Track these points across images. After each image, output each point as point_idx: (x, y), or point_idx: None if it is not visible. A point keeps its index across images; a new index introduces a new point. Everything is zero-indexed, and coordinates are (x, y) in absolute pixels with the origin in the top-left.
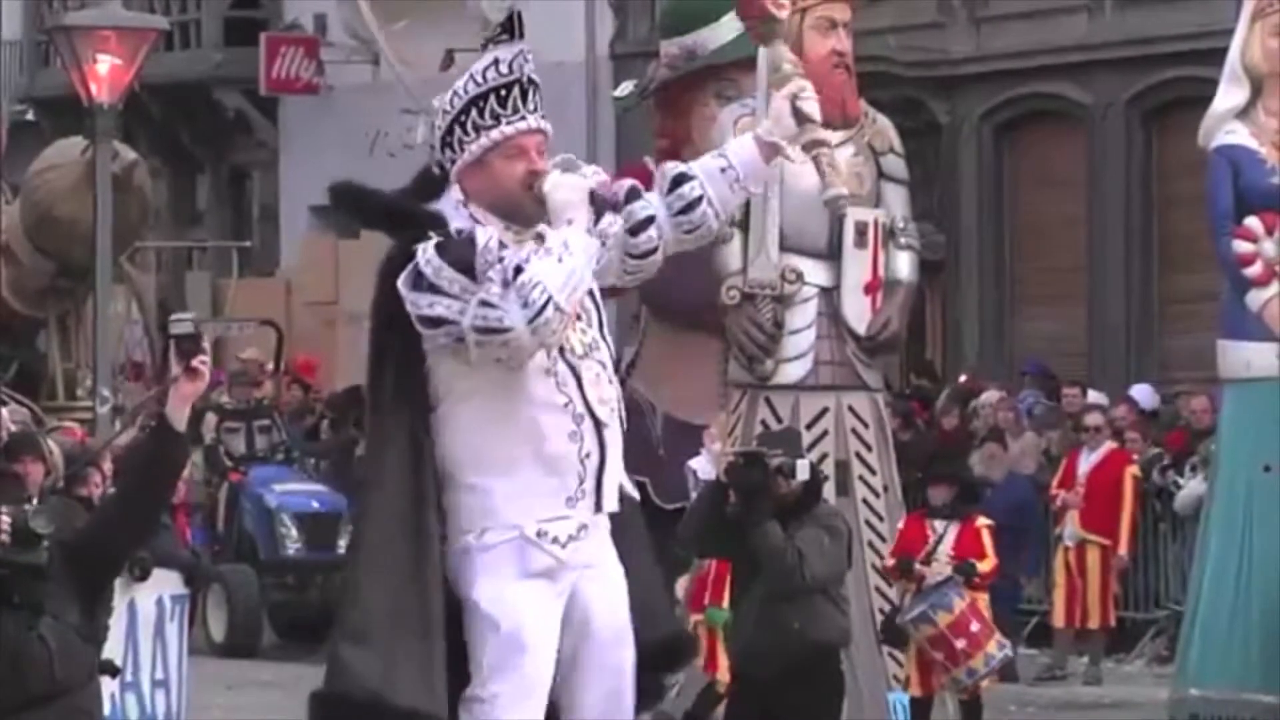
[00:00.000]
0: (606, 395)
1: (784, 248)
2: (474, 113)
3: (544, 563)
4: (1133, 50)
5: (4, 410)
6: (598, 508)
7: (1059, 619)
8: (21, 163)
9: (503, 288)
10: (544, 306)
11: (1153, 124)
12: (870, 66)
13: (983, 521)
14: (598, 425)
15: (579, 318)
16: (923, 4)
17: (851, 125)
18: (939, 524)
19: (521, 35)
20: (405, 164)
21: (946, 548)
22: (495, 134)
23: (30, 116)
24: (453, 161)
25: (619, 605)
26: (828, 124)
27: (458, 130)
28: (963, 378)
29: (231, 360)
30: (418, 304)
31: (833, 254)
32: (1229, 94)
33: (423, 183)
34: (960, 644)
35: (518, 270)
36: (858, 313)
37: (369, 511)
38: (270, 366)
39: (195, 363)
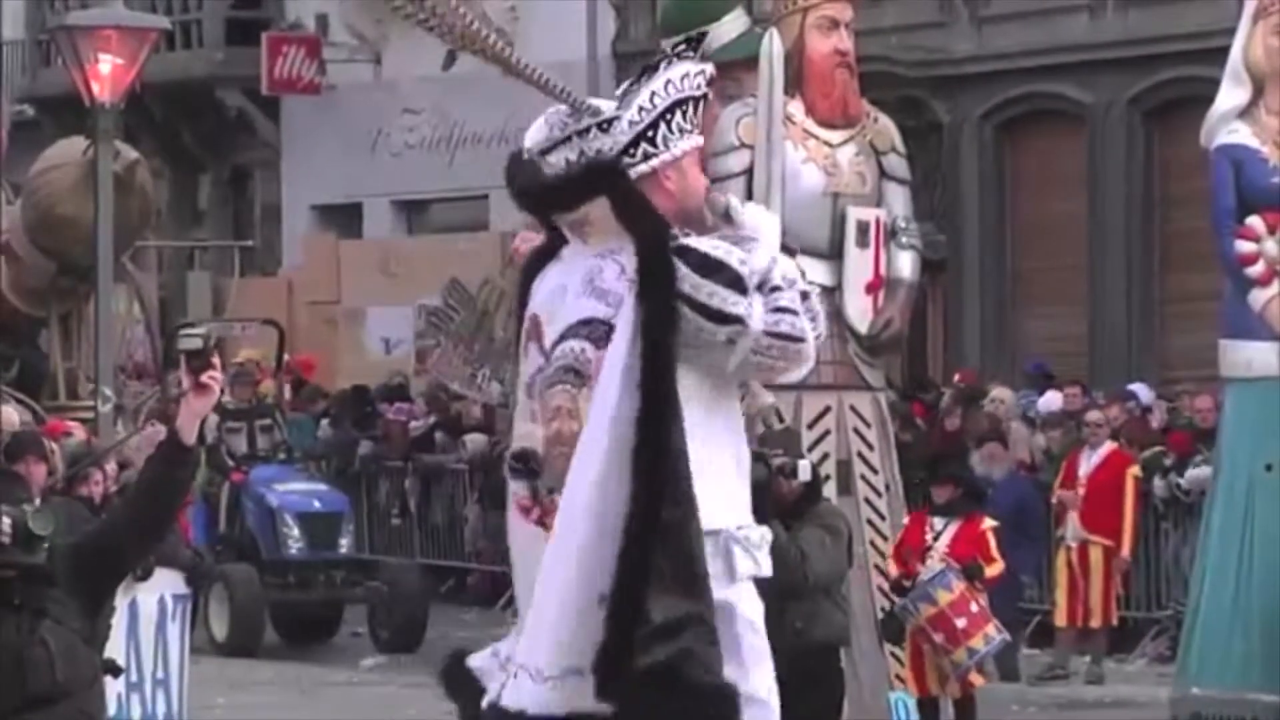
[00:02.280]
0: None
1: (786, 247)
2: (677, 114)
3: (748, 568)
4: (1134, 50)
5: (4, 410)
6: None
7: (1061, 618)
8: (23, 162)
9: (801, 299)
10: (817, 325)
11: (1154, 123)
12: (872, 66)
13: (989, 524)
14: None
15: None
16: (924, 4)
17: (853, 125)
18: (938, 522)
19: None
20: (406, 163)
21: (942, 545)
22: (694, 140)
23: (32, 116)
24: (645, 157)
25: None
26: (830, 123)
27: (662, 127)
28: (956, 377)
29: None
30: (715, 294)
31: (834, 253)
32: (1231, 93)
33: (589, 173)
34: (961, 623)
35: (805, 294)
36: (860, 312)
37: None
38: (270, 365)
39: (205, 378)
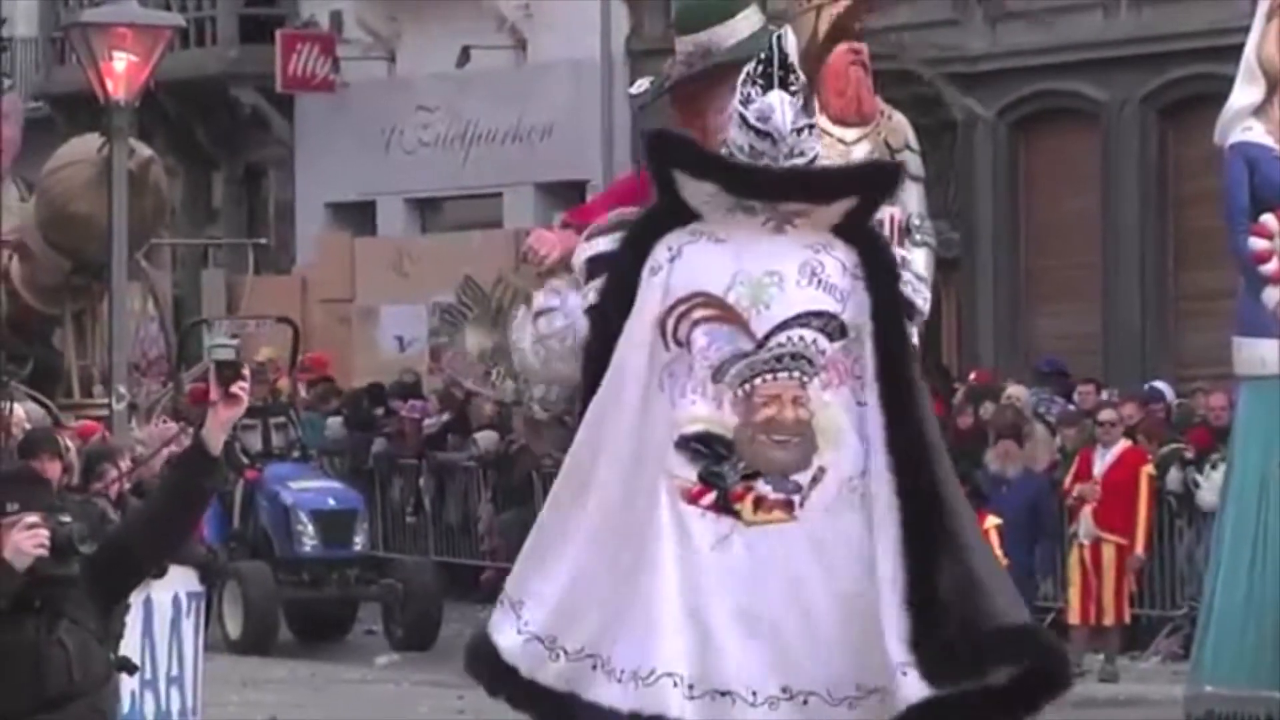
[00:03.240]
0: None
1: None
2: None
3: None
4: (1148, 47)
5: (20, 408)
6: None
7: (1074, 616)
8: (37, 160)
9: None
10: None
11: (1168, 121)
12: (887, 64)
13: (992, 522)
14: None
15: None
16: (939, 2)
17: (868, 122)
18: None
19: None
20: (420, 161)
21: None
22: None
23: (46, 113)
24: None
25: None
26: (844, 121)
27: None
28: (972, 376)
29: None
30: (908, 285)
31: None
32: (1244, 91)
33: (880, 173)
34: None
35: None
36: None
37: None
38: (284, 363)
39: (235, 389)
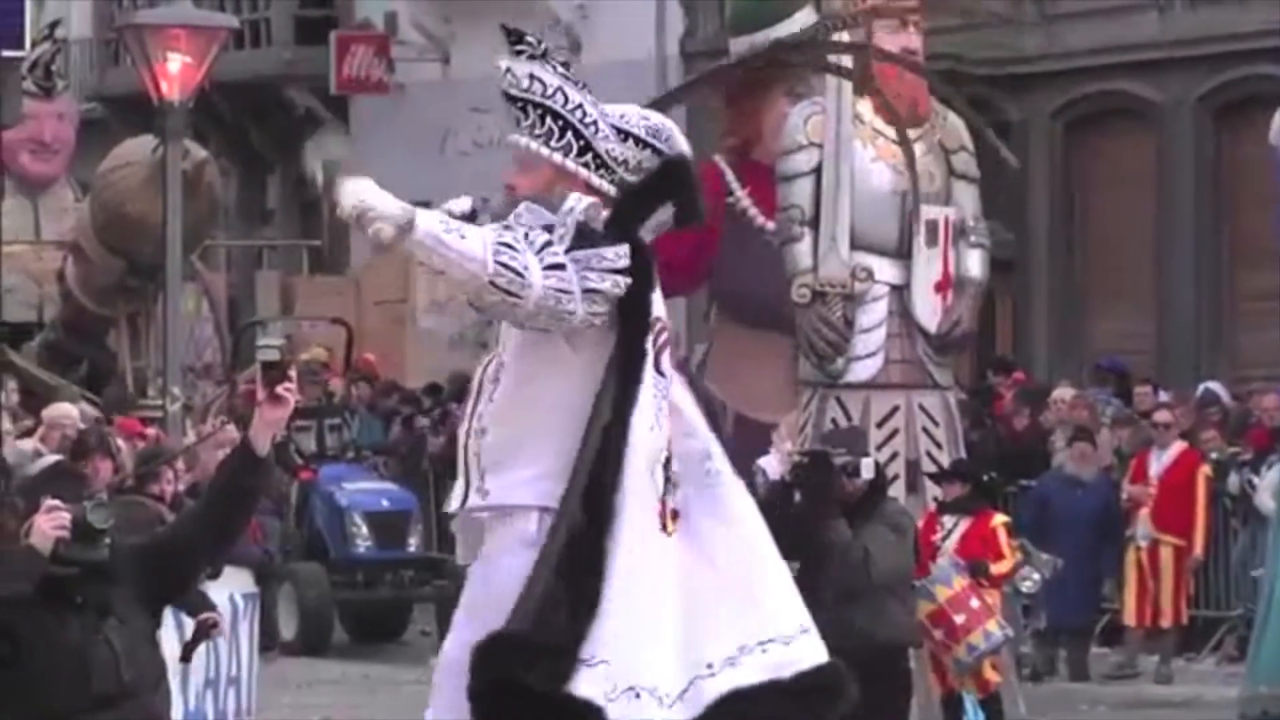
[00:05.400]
0: None
1: (855, 245)
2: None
3: None
4: (1203, 48)
5: (75, 409)
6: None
7: (1130, 618)
8: (91, 161)
9: None
10: None
11: (1223, 121)
12: (941, 65)
13: (999, 520)
14: None
15: None
16: (994, 1)
17: (922, 123)
18: (948, 520)
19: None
20: (476, 162)
21: (952, 544)
22: None
23: (100, 114)
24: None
25: None
26: (898, 122)
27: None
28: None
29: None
30: None
31: (903, 252)
32: None
33: None
34: (960, 619)
35: None
36: (928, 311)
37: None
38: (339, 364)
39: (281, 389)
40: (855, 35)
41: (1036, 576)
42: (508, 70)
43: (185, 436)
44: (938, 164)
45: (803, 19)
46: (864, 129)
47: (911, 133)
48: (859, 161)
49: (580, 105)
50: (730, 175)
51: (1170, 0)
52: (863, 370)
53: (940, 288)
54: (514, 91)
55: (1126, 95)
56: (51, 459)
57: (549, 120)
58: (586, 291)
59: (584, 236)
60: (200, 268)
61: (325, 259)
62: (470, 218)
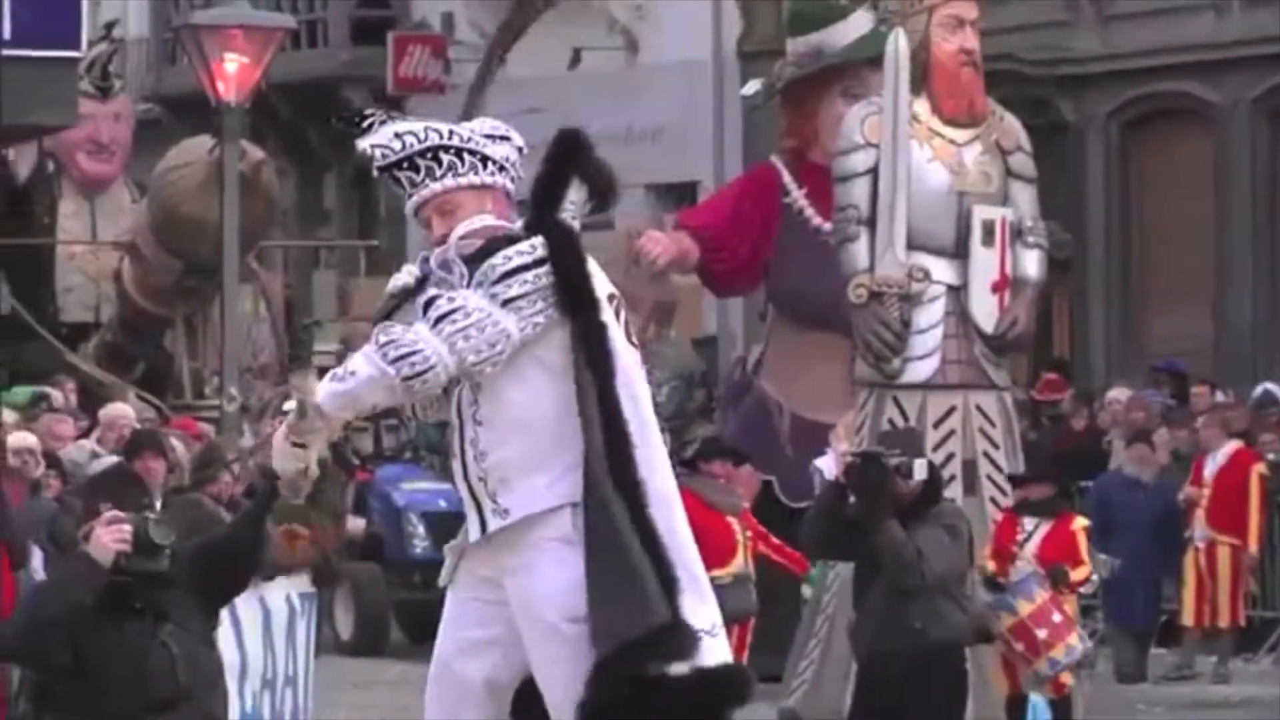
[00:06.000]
0: None
1: (911, 246)
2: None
3: None
4: (1260, 49)
5: (131, 409)
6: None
7: (1188, 618)
8: (148, 162)
9: None
10: None
11: (1279, 122)
12: (997, 65)
13: (1080, 523)
14: None
15: None
16: (1050, 2)
17: (979, 123)
18: (1029, 522)
19: None
20: (530, 162)
21: (1033, 547)
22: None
23: (157, 115)
24: None
25: None
26: (955, 122)
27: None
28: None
29: None
30: None
31: (960, 252)
32: None
33: None
34: (1042, 634)
35: None
36: (985, 311)
37: None
38: None
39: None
40: (913, 35)
41: (1095, 577)
42: (372, 148)
43: (242, 437)
44: (994, 164)
45: (860, 19)
46: (920, 128)
47: (968, 133)
48: (915, 161)
49: (452, 130)
50: (787, 176)
51: (1227, 1)
52: (919, 370)
53: (997, 288)
54: (391, 158)
55: (1183, 96)
56: (110, 460)
57: (440, 155)
58: (506, 303)
59: (478, 257)
60: (257, 268)
61: (382, 259)
62: (419, 285)
